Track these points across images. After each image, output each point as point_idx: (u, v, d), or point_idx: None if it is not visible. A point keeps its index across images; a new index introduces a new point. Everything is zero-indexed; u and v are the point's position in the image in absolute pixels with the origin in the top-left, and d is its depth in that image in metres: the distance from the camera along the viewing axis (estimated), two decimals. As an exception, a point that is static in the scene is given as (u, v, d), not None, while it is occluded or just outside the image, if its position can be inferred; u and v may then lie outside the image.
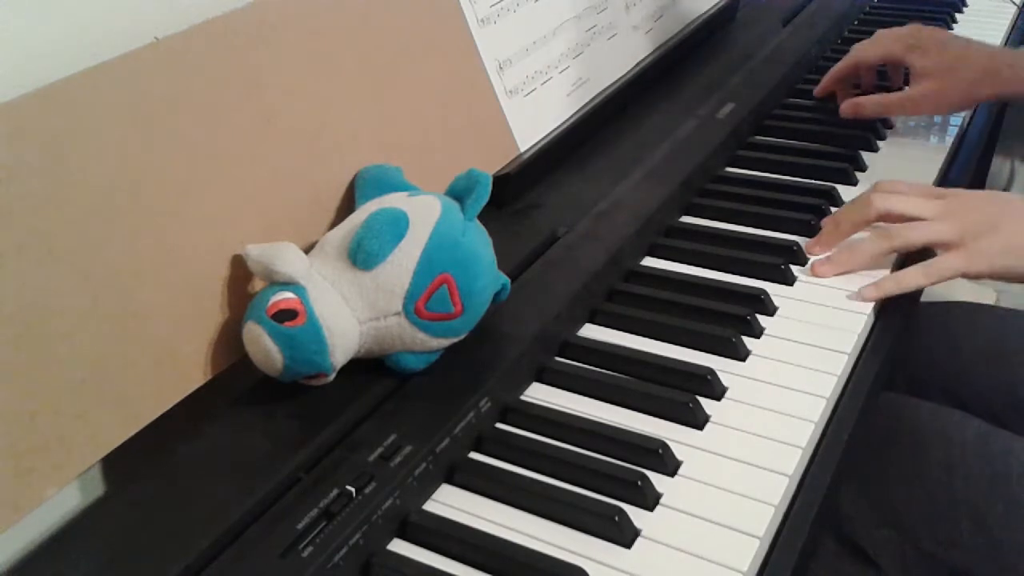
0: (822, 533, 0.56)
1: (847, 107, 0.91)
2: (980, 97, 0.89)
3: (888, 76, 0.98)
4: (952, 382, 0.85)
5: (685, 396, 0.59)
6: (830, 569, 0.80)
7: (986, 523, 0.69)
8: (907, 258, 0.71)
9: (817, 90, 0.99)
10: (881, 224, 0.72)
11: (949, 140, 0.93)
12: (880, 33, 0.95)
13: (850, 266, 0.71)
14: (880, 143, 0.92)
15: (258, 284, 0.57)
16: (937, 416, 0.76)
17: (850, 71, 0.96)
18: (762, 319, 0.67)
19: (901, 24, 1.20)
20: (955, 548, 0.71)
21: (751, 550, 0.49)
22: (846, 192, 0.84)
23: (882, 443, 0.76)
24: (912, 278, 0.68)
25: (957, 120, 0.97)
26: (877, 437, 0.76)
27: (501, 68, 0.79)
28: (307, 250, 0.56)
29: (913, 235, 0.69)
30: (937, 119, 0.98)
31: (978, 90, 0.88)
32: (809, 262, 0.72)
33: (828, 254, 0.72)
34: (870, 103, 0.91)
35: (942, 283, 0.69)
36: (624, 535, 0.50)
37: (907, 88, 0.91)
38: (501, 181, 0.74)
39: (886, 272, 0.70)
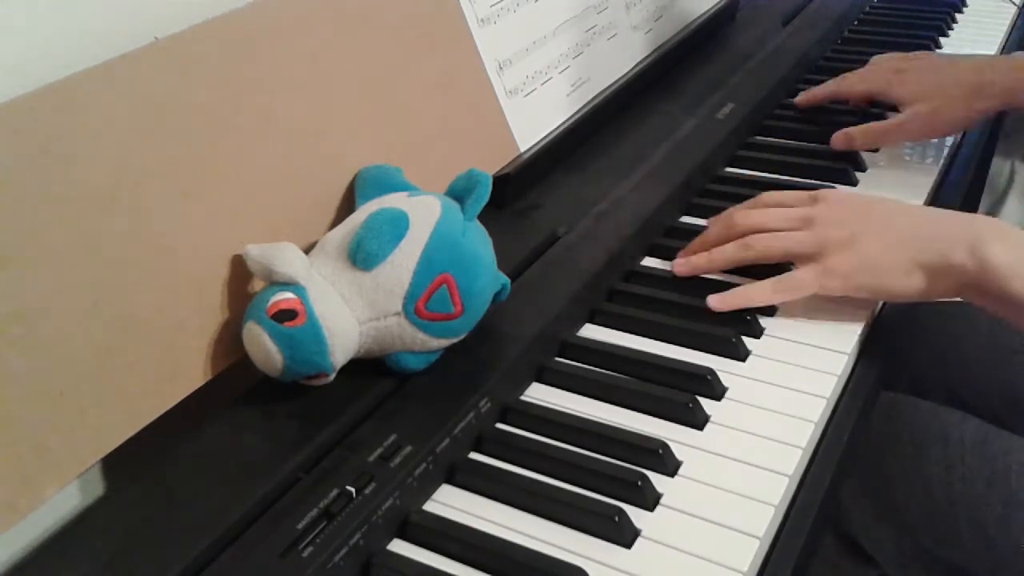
0: (822, 531, 0.56)
1: (838, 138, 0.88)
2: (971, 114, 0.86)
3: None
4: (952, 382, 0.85)
5: (685, 396, 0.59)
6: (830, 566, 0.80)
7: (985, 522, 0.69)
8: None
9: (799, 100, 0.97)
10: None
11: (949, 141, 0.93)
12: (870, 64, 0.95)
13: (706, 268, 0.69)
14: (868, 156, 0.92)
15: (258, 284, 0.57)
16: (936, 415, 0.76)
17: (829, 99, 0.96)
18: (762, 319, 0.67)
19: (901, 24, 1.22)
20: (954, 547, 0.71)
21: (751, 550, 0.49)
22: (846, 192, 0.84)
23: (882, 442, 0.76)
24: (760, 293, 0.65)
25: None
26: (877, 436, 0.76)
27: (501, 68, 0.79)
28: (307, 250, 0.56)
29: (769, 245, 0.66)
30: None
31: (969, 107, 0.85)
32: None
33: (686, 257, 0.71)
34: (860, 134, 0.88)
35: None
36: (624, 535, 0.50)
37: (897, 115, 0.89)
38: (501, 181, 0.74)
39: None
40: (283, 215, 0.60)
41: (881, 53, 1.09)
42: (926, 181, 0.85)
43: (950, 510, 0.71)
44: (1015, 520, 0.68)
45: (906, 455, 0.74)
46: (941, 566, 0.73)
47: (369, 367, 0.57)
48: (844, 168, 0.86)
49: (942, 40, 1.18)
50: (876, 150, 0.91)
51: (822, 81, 1.02)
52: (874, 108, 0.94)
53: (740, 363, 0.63)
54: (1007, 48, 1.18)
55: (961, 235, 0.61)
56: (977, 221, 0.63)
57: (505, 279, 0.61)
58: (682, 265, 0.71)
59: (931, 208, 0.68)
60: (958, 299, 0.64)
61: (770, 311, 0.68)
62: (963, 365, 0.85)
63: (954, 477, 0.71)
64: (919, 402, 0.79)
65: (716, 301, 0.66)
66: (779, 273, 0.67)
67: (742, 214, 0.70)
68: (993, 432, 0.73)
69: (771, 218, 0.68)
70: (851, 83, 0.94)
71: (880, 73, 0.92)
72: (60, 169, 0.50)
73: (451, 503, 0.53)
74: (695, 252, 0.71)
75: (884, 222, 0.65)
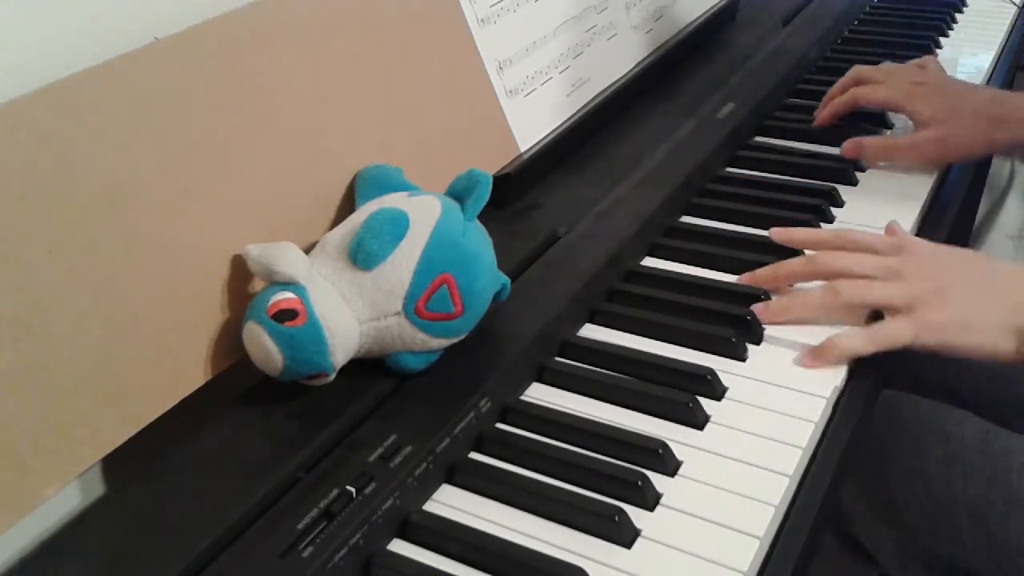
0: (822, 531, 0.55)
1: (849, 147, 0.88)
2: (988, 145, 0.86)
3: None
4: (952, 380, 0.85)
5: (685, 396, 0.59)
6: (830, 565, 0.80)
7: (985, 520, 0.69)
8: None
9: (817, 122, 0.95)
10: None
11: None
12: (886, 71, 0.93)
13: (787, 316, 0.65)
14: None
15: (258, 284, 0.57)
16: (937, 413, 0.76)
17: (850, 109, 0.93)
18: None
19: (901, 24, 1.22)
20: (954, 545, 0.71)
21: (751, 550, 0.49)
22: (846, 192, 0.84)
23: (882, 440, 0.76)
24: (857, 344, 0.62)
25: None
26: (877, 434, 0.76)
27: (501, 68, 0.79)
28: (307, 250, 0.56)
29: (860, 295, 0.64)
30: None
31: (986, 138, 0.84)
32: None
33: (765, 302, 0.67)
34: (872, 149, 0.88)
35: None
36: (624, 535, 0.50)
37: (912, 135, 0.88)
38: (501, 181, 0.74)
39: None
40: (283, 215, 0.60)
41: (881, 53, 1.10)
42: (926, 181, 0.85)
43: (951, 508, 0.71)
44: (1016, 518, 0.68)
45: (906, 453, 0.74)
46: (942, 565, 0.73)
47: (369, 367, 0.57)
48: (844, 168, 0.86)
49: (942, 40, 1.18)
50: (886, 123, 0.91)
51: (822, 81, 1.03)
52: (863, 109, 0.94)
53: (740, 363, 0.63)
54: (1007, 48, 1.18)
55: None
56: None
57: (505, 279, 0.61)
58: (763, 311, 0.65)
59: (1018, 267, 0.66)
60: None
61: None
62: (963, 364, 0.85)
63: (955, 475, 0.71)
64: (920, 400, 0.79)
65: (809, 359, 0.62)
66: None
67: (830, 255, 0.66)
68: (994, 430, 0.73)
69: (859, 264, 0.65)
70: (869, 92, 0.91)
71: (900, 85, 0.90)
72: (60, 169, 0.50)
73: (451, 503, 0.53)
74: (762, 279, 0.68)
75: (975, 278, 0.64)
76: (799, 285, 0.69)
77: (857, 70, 0.94)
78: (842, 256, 0.66)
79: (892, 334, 0.62)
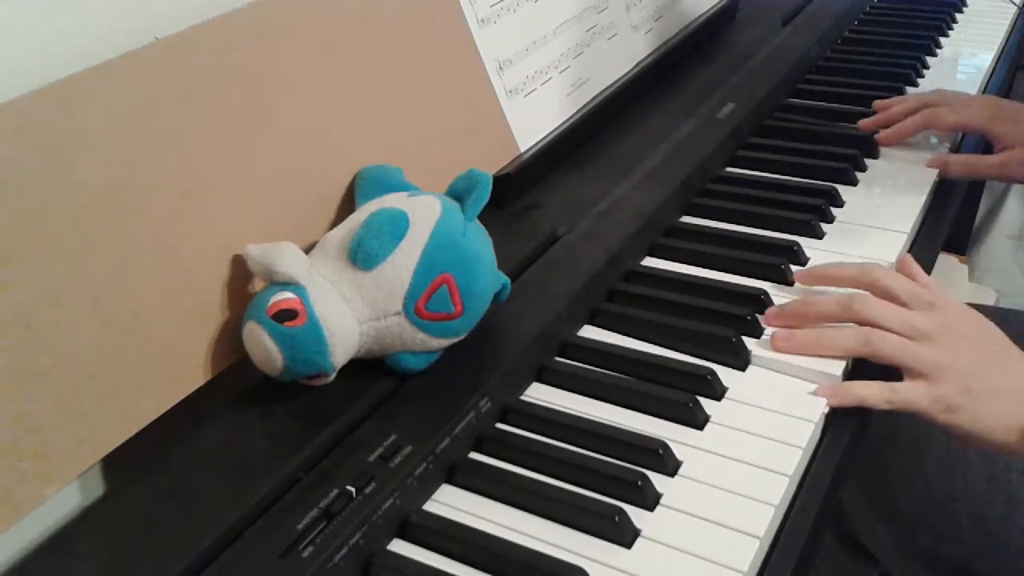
0: (822, 531, 0.56)
1: (934, 162, 0.88)
2: None
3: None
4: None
5: (685, 396, 0.59)
6: (830, 564, 0.80)
7: (985, 520, 0.69)
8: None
9: (882, 141, 0.92)
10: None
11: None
12: (957, 99, 0.92)
13: (813, 351, 0.64)
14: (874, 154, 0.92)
15: (258, 284, 0.57)
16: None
17: (919, 131, 0.92)
18: (762, 319, 0.67)
19: (901, 24, 1.22)
20: (954, 544, 0.71)
21: (751, 550, 0.49)
22: (846, 192, 0.84)
23: (882, 440, 0.76)
24: (873, 398, 0.61)
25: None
26: (877, 434, 0.76)
27: (501, 68, 0.79)
28: (307, 250, 0.56)
29: (895, 354, 0.62)
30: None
31: None
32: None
33: (790, 330, 0.65)
34: (958, 164, 0.88)
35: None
36: (624, 535, 0.50)
37: (994, 155, 0.88)
38: (501, 181, 0.74)
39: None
40: (283, 215, 0.60)
41: (881, 53, 1.10)
42: (927, 181, 0.85)
43: (951, 508, 0.71)
44: (1015, 518, 0.68)
45: (906, 453, 0.75)
46: (942, 564, 0.73)
47: (369, 367, 0.57)
48: (845, 168, 0.86)
49: (942, 40, 1.18)
50: (876, 155, 0.90)
51: (822, 81, 1.03)
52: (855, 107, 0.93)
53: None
54: (1007, 48, 1.19)
55: None
56: None
57: (505, 279, 0.61)
58: (785, 341, 0.64)
59: None
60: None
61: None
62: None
63: (954, 475, 0.71)
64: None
65: (828, 393, 0.61)
66: None
67: (863, 302, 0.64)
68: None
69: (894, 319, 0.63)
70: (941, 115, 0.90)
71: (975, 107, 0.90)
72: (60, 169, 0.50)
73: (451, 503, 0.53)
74: (792, 316, 0.66)
75: (1002, 367, 0.63)
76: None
77: (923, 96, 0.93)
78: (878, 306, 0.64)
79: (909, 398, 0.61)
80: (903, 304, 0.64)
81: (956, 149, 0.93)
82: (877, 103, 0.95)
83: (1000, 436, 0.60)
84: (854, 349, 0.63)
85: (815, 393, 0.60)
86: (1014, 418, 0.60)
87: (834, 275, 0.69)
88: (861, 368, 0.64)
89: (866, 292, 0.65)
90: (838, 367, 0.62)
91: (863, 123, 0.94)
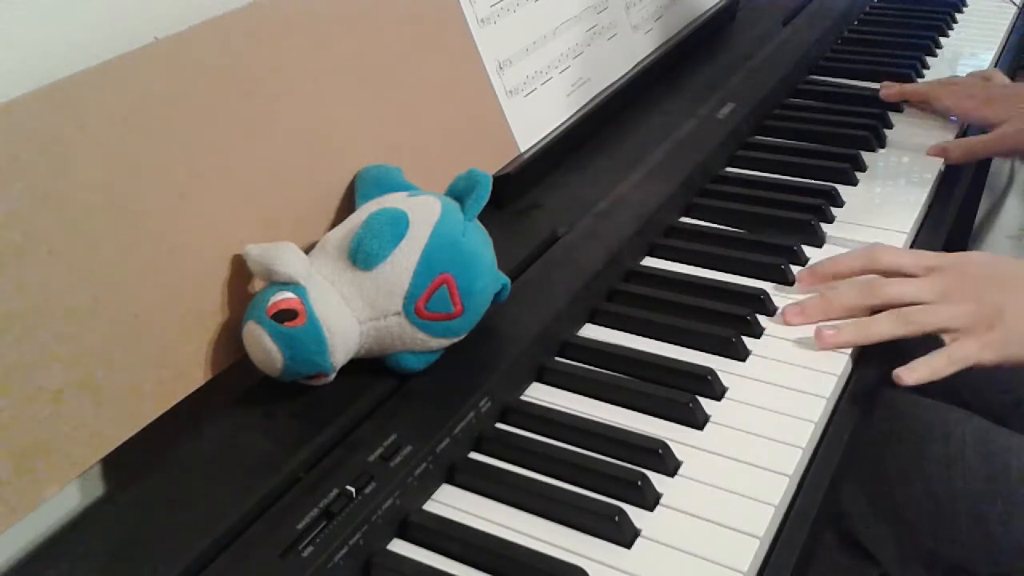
0: (822, 531, 0.56)
1: (934, 150, 0.91)
2: None
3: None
4: (952, 380, 0.84)
5: (685, 396, 0.59)
6: (829, 564, 0.80)
7: (985, 520, 0.69)
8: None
9: (884, 95, 1.00)
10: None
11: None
12: (955, 82, 0.98)
13: (856, 342, 0.65)
14: (887, 132, 0.92)
15: (258, 284, 0.57)
16: (937, 413, 0.76)
17: (919, 99, 0.98)
18: (762, 319, 0.67)
19: (901, 24, 1.22)
20: (954, 544, 0.71)
21: (751, 550, 0.49)
22: (846, 192, 0.84)
23: (882, 439, 0.76)
24: (939, 365, 0.64)
25: (957, 119, 0.97)
26: (877, 433, 0.76)
27: (501, 68, 0.79)
28: (307, 250, 0.56)
29: (926, 320, 0.65)
30: (936, 119, 0.98)
31: None
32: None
33: (832, 325, 0.66)
34: (955, 147, 0.91)
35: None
36: (624, 535, 0.50)
37: (991, 133, 0.91)
38: (501, 181, 0.74)
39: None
40: (283, 215, 0.60)
41: (881, 53, 1.11)
42: (927, 181, 0.85)
43: (950, 508, 0.71)
44: (1016, 517, 0.68)
45: (906, 453, 0.75)
46: (941, 564, 0.73)
47: (369, 367, 0.57)
48: (845, 168, 0.86)
49: (942, 40, 1.18)
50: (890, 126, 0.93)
51: (822, 81, 1.03)
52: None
53: (740, 363, 0.63)
54: (1007, 48, 1.19)
55: None
56: None
57: (505, 279, 0.61)
58: (830, 337, 0.65)
59: None
60: None
61: (771, 310, 0.68)
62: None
63: (955, 475, 0.71)
64: (920, 400, 0.79)
65: (905, 374, 0.64)
66: None
67: (883, 284, 0.67)
68: (993, 430, 0.73)
69: (915, 292, 0.66)
70: (939, 95, 0.96)
71: (969, 94, 0.95)
72: (60, 169, 0.50)
73: (451, 503, 0.53)
74: (819, 312, 0.67)
75: (1014, 285, 0.66)
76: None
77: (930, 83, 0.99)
78: (896, 284, 0.67)
79: (963, 355, 0.64)
80: (913, 275, 0.67)
81: (968, 125, 0.93)
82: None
83: None
84: (898, 331, 0.65)
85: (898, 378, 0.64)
86: None
87: (840, 269, 0.70)
88: (865, 354, 0.64)
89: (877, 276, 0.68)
90: (839, 365, 0.62)
91: (885, 95, 1.00)
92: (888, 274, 0.68)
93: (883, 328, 0.66)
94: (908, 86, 0.99)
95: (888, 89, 1.00)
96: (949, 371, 0.64)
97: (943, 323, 0.65)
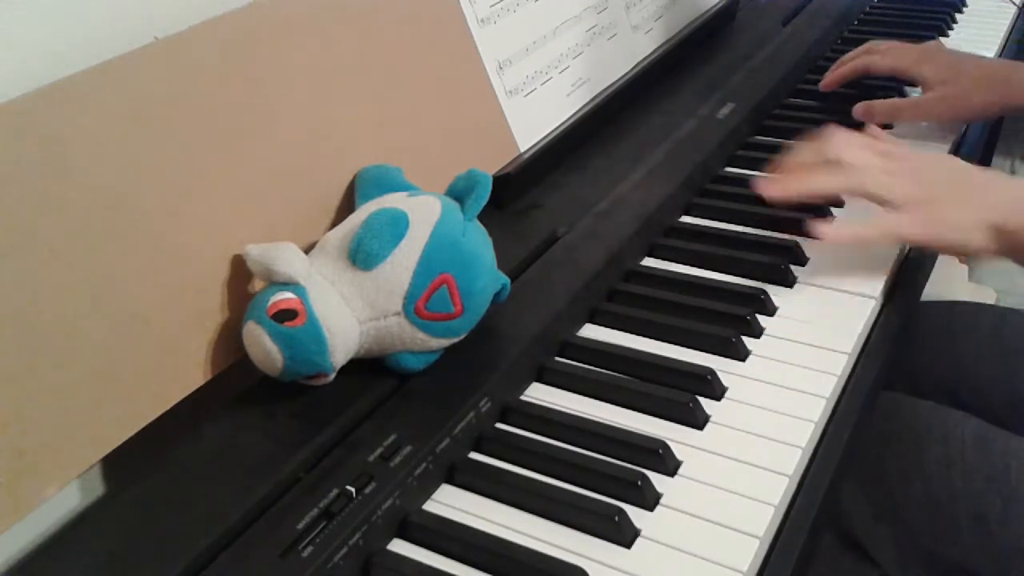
0: (822, 531, 0.56)
1: (859, 109, 0.92)
2: (990, 105, 0.89)
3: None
4: (952, 381, 0.85)
5: (685, 396, 0.59)
6: (829, 564, 0.80)
7: (984, 520, 0.69)
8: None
9: (823, 84, 1.00)
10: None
11: (950, 139, 0.93)
12: (893, 45, 0.97)
13: (800, 194, 0.70)
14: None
15: (258, 284, 0.57)
16: (936, 414, 0.76)
17: (857, 75, 0.98)
18: (762, 319, 0.67)
19: (901, 24, 1.22)
20: (953, 544, 0.71)
21: (751, 550, 0.49)
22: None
23: (881, 440, 0.76)
24: (869, 232, 0.69)
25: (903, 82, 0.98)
26: (876, 434, 0.76)
27: (501, 68, 0.79)
28: (307, 250, 0.56)
29: (868, 184, 0.69)
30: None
31: (988, 98, 0.88)
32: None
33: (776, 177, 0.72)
34: (881, 107, 0.91)
35: (942, 283, 0.68)
36: (624, 535, 0.50)
37: (921, 95, 0.92)
38: (501, 181, 0.74)
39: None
40: (283, 215, 0.60)
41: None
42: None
43: (950, 508, 0.71)
44: (1014, 518, 0.68)
45: (906, 454, 0.75)
46: (941, 564, 0.73)
47: (369, 367, 0.57)
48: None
49: (942, 40, 1.18)
50: (891, 126, 0.93)
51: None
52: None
53: (740, 363, 0.63)
54: (1007, 48, 1.18)
55: (1017, 199, 0.67)
56: None
57: (505, 279, 0.61)
58: (772, 187, 0.70)
59: (991, 171, 0.73)
60: (960, 299, 0.64)
61: (771, 310, 0.68)
62: (963, 364, 0.85)
63: (954, 475, 0.71)
64: (919, 401, 0.79)
65: (827, 231, 0.68)
66: None
67: (837, 144, 0.71)
68: (993, 431, 0.73)
69: (866, 159, 0.70)
70: (876, 60, 0.96)
71: (906, 52, 0.95)
72: (60, 169, 0.50)
73: (451, 503, 0.53)
74: (784, 173, 0.72)
75: (957, 182, 0.70)
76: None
77: (870, 44, 0.98)
78: (848, 147, 0.71)
79: (893, 227, 0.69)
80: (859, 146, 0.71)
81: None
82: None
83: (978, 239, 0.67)
84: (842, 186, 0.70)
85: (818, 234, 0.68)
86: (983, 220, 0.67)
87: (802, 156, 0.74)
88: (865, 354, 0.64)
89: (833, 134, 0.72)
90: (839, 365, 0.62)
91: (823, 84, 1.00)
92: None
93: (823, 179, 0.70)
94: (844, 67, 0.98)
95: (825, 81, 0.99)
96: (874, 239, 0.69)
97: (881, 190, 0.69)
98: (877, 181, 0.69)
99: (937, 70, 0.90)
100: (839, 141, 0.71)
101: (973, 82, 0.88)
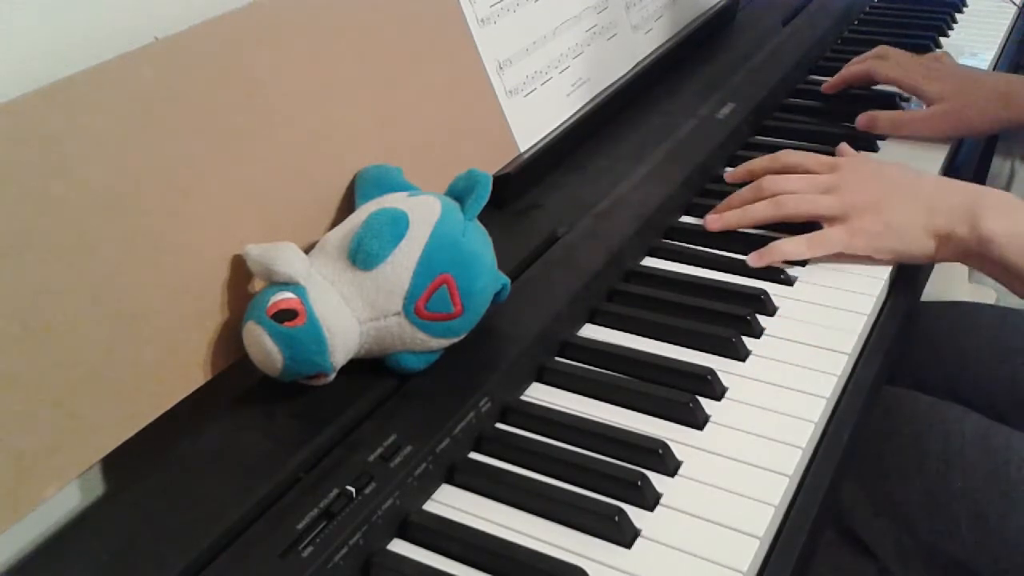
0: (822, 531, 0.56)
1: (863, 120, 0.92)
2: (995, 122, 0.89)
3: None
4: (953, 380, 0.85)
5: (685, 396, 0.59)
6: (829, 560, 0.80)
7: (984, 515, 0.69)
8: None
9: (825, 87, 1.00)
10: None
11: (951, 140, 0.93)
12: (897, 54, 0.97)
13: (737, 224, 0.74)
14: (880, 143, 0.92)
15: (258, 284, 0.57)
16: (936, 409, 0.76)
17: (862, 81, 0.98)
18: (762, 319, 0.67)
19: (901, 24, 1.22)
20: (953, 540, 0.71)
21: (751, 550, 0.49)
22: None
23: (882, 436, 0.76)
24: (794, 247, 0.71)
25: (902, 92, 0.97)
26: (877, 430, 0.76)
27: (501, 68, 0.79)
28: (307, 250, 0.56)
29: (800, 207, 0.72)
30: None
31: (994, 115, 0.88)
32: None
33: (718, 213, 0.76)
34: (885, 119, 0.91)
35: (942, 283, 0.68)
36: (624, 535, 0.50)
37: (924, 109, 0.92)
38: (501, 181, 0.74)
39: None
40: (283, 215, 0.60)
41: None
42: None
43: (950, 504, 0.71)
44: (1014, 514, 0.68)
45: (906, 449, 0.75)
46: (941, 560, 0.73)
47: (369, 367, 0.57)
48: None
49: (942, 40, 1.18)
50: (883, 137, 0.93)
51: (822, 81, 1.03)
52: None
53: (740, 363, 0.63)
54: (1007, 48, 1.18)
55: (964, 207, 0.68)
56: (980, 194, 0.69)
57: (505, 279, 0.61)
58: (715, 221, 0.75)
59: (942, 179, 0.74)
60: (960, 299, 0.64)
61: (771, 310, 0.68)
62: (964, 362, 0.85)
63: (954, 471, 0.71)
64: (919, 397, 0.79)
65: (754, 258, 0.71)
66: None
67: (771, 179, 0.75)
68: (993, 427, 0.73)
69: (799, 185, 0.74)
70: (881, 67, 0.96)
71: (912, 65, 0.95)
72: (60, 169, 0.50)
73: (451, 503, 0.53)
74: (722, 209, 0.76)
75: (902, 188, 0.72)
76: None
77: (882, 48, 0.99)
78: (784, 179, 0.75)
79: (826, 238, 0.71)
80: (811, 172, 0.75)
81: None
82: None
83: (920, 245, 0.69)
84: (767, 214, 0.73)
85: (748, 263, 0.71)
86: (925, 227, 0.69)
87: (752, 167, 0.80)
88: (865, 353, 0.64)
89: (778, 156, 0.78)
90: (839, 365, 0.62)
91: (825, 87, 1.00)
92: (791, 171, 0.76)
93: (758, 212, 0.74)
94: (848, 71, 0.98)
95: (828, 84, 1.00)
96: (809, 254, 0.71)
97: (818, 211, 0.72)
98: (809, 201, 0.72)
99: (942, 88, 0.90)
100: (772, 180, 0.75)
101: (975, 100, 0.88)
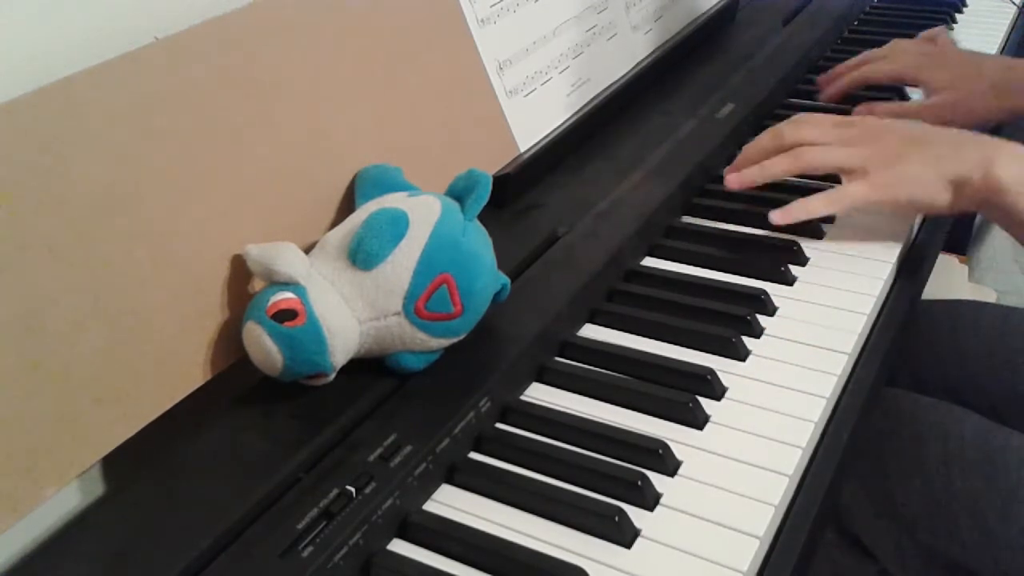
0: (822, 531, 0.56)
1: (863, 109, 0.92)
2: (995, 110, 0.89)
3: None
4: (954, 380, 0.85)
5: (685, 396, 0.59)
6: (828, 561, 0.80)
7: (984, 516, 0.69)
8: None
9: (824, 96, 0.99)
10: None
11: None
12: (895, 47, 0.97)
13: (758, 180, 0.74)
14: None
15: (258, 284, 0.57)
16: (936, 410, 0.76)
17: (858, 87, 0.97)
18: (762, 319, 0.67)
19: (901, 24, 1.22)
20: (953, 541, 0.71)
21: (751, 550, 0.49)
22: (846, 192, 0.83)
23: (882, 437, 0.76)
24: (817, 204, 0.71)
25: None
26: (877, 431, 0.76)
27: (501, 68, 0.79)
28: (307, 250, 0.56)
29: (819, 158, 0.72)
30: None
31: (993, 103, 0.88)
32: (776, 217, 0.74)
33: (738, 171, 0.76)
34: (883, 111, 0.91)
35: (942, 283, 0.68)
36: (624, 535, 0.50)
37: (924, 101, 0.92)
38: (501, 181, 0.74)
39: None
40: (283, 215, 0.60)
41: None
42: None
43: (950, 505, 0.71)
44: (1014, 515, 0.68)
45: (906, 450, 0.75)
46: (940, 561, 0.73)
47: (369, 367, 0.57)
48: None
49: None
50: None
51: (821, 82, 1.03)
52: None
53: (740, 363, 0.63)
54: (1007, 48, 1.18)
55: (979, 155, 0.68)
56: (995, 144, 0.69)
57: (505, 279, 0.61)
58: (735, 180, 0.75)
59: (959, 131, 0.74)
60: (960, 298, 0.64)
61: (771, 310, 0.68)
62: (964, 363, 0.85)
63: (954, 472, 0.71)
64: (919, 397, 0.79)
65: (778, 215, 0.72)
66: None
67: (792, 128, 0.75)
68: (993, 428, 0.73)
69: (819, 133, 0.73)
70: (878, 67, 0.96)
71: (908, 56, 0.94)
72: (60, 169, 0.50)
73: (451, 503, 0.53)
74: (739, 164, 0.76)
75: (919, 141, 0.72)
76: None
77: (868, 53, 0.98)
78: (802, 128, 0.75)
79: (848, 193, 0.71)
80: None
81: None
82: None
83: (939, 195, 0.69)
84: (786, 167, 0.73)
85: (771, 220, 0.72)
86: (943, 176, 0.69)
87: (763, 144, 0.77)
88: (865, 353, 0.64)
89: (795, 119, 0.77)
90: (839, 365, 0.62)
91: (822, 88, 1.00)
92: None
93: (777, 166, 0.73)
94: (846, 77, 0.97)
95: (826, 90, 0.98)
96: (828, 210, 0.71)
97: (837, 162, 0.72)
98: (828, 153, 0.72)
99: (941, 76, 0.90)
100: (793, 124, 0.74)
101: (977, 89, 0.88)
